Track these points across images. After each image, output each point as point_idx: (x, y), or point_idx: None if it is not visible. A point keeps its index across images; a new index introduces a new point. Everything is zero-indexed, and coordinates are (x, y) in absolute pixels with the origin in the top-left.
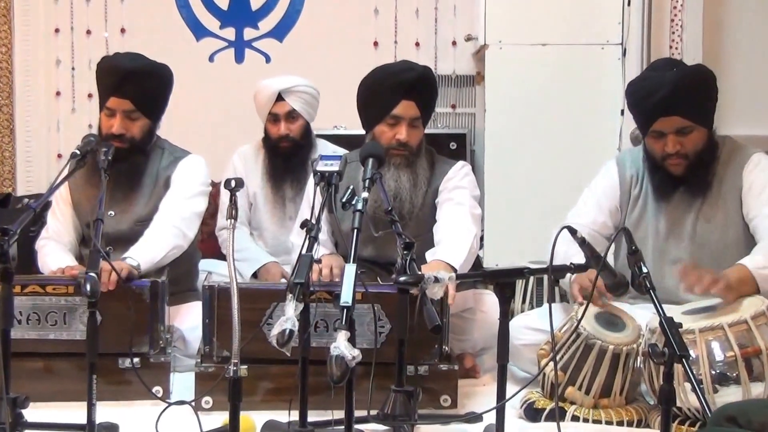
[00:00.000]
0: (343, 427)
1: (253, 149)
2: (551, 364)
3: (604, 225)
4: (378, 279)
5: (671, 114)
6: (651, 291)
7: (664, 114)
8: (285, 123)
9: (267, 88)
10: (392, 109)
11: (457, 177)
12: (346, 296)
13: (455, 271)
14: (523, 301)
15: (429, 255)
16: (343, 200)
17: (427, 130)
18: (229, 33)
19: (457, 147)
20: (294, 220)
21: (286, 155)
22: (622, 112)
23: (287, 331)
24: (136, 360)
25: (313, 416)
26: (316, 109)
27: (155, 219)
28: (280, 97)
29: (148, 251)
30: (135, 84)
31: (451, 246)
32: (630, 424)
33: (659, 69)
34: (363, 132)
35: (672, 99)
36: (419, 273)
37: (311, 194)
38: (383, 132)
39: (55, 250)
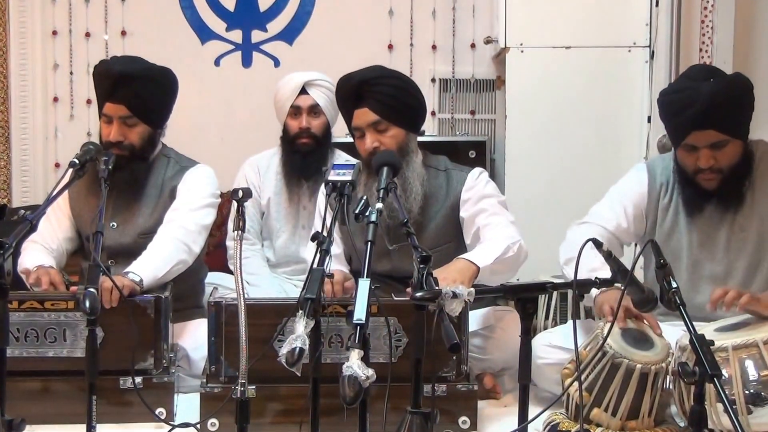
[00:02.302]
0: None
1: (265, 158)
2: (576, 384)
3: (627, 232)
4: (392, 294)
5: (706, 128)
6: (681, 307)
7: (699, 128)
8: (307, 117)
9: (291, 80)
10: (351, 122)
11: (479, 185)
12: (360, 313)
13: (478, 270)
14: (546, 318)
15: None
16: (356, 212)
17: (445, 138)
18: (236, 35)
19: (476, 155)
20: (307, 230)
21: (305, 153)
22: (649, 118)
23: (297, 349)
24: (138, 380)
25: None
26: (338, 111)
27: (159, 231)
28: (303, 91)
29: (152, 266)
30: (128, 88)
31: (482, 248)
32: None
33: (694, 79)
34: None
35: (707, 113)
36: (436, 288)
37: (322, 205)
38: (359, 146)
39: (36, 251)
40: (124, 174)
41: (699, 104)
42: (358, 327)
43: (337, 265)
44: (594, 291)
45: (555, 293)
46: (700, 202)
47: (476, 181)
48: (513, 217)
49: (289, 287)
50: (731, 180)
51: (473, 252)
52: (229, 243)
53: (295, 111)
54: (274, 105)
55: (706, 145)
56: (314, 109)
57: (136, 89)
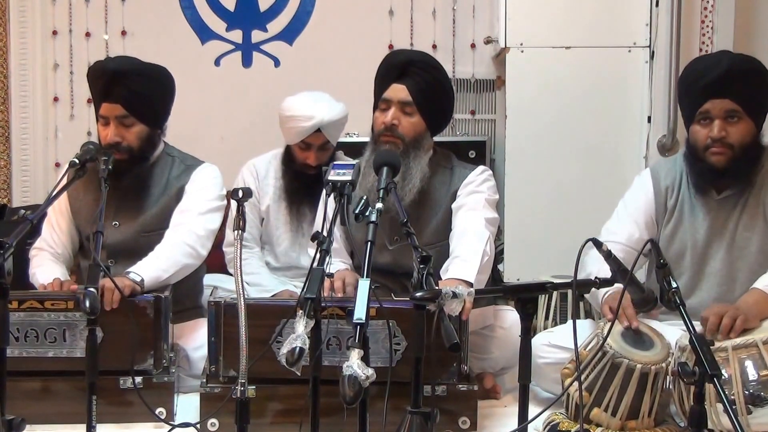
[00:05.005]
0: None
1: (263, 162)
2: (576, 384)
3: (640, 240)
4: (392, 294)
5: (722, 96)
6: (681, 307)
7: (715, 95)
8: (316, 153)
9: (305, 118)
10: (383, 93)
11: (475, 182)
12: (360, 312)
13: (471, 286)
14: (546, 318)
15: (443, 272)
16: (356, 211)
17: (445, 138)
18: (236, 35)
19: (476, 155)
20: (307, 237)
21: (309, 181)
22: (649, 118)
23: (297, 349)
24: (138, 380)
25: None
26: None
27: (167, 235)
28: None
29: (155, 268)
30: (123, 86)
31: (463, 260)
32: None
33: (715, 54)
34: None
35: (725, 79)
36: (436, 288)
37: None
38: (376, 118)
39: (47, 262)
40: (127, 177)
41: (718, 70)
42: (358, 326)
43: (339, 260)
44: (599, 295)
45: (555, 293)
46: (709, 181)
47: (476, 177)
48: (493, 213)
49: (289, 287)
50: (740, 160)
51: (459, 268)
52: (227, 249)
53: (306, 146)
54: (280, 123)
55: (721, 115)
56: (325, 146)
57: (131, 86)
